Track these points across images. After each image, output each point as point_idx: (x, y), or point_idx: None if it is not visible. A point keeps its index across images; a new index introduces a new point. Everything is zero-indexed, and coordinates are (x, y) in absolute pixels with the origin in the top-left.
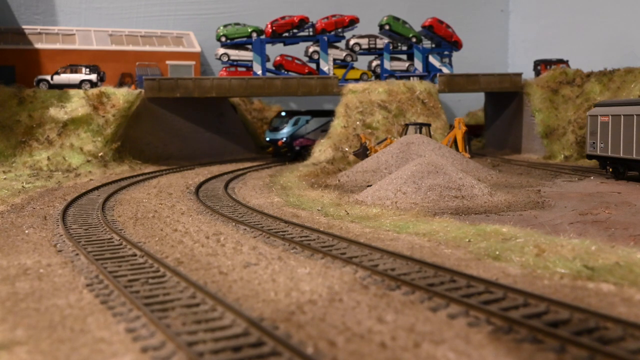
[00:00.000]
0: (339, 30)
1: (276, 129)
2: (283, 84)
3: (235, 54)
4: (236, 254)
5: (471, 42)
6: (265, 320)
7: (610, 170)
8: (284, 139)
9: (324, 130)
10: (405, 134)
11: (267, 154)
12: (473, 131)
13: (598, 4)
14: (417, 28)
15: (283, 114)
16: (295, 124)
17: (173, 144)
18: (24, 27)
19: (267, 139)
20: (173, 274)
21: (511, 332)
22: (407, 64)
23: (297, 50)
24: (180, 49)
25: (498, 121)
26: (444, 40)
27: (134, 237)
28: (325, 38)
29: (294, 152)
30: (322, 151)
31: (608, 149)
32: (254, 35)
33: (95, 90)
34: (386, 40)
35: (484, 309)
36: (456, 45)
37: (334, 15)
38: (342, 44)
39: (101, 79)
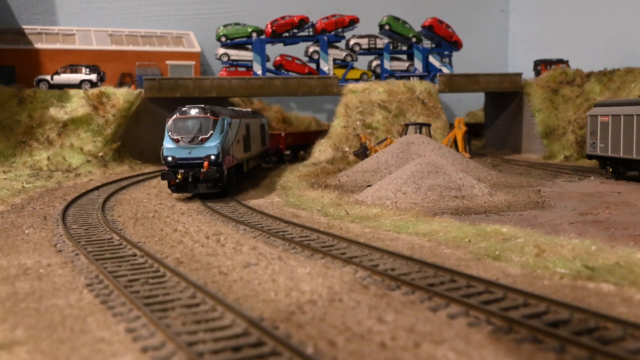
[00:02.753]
0: (339, 30)
1: (191, 141)
2: (283, 84)
3: (235, 54)
4: (236, 254)
5: (471, 42)
6: (265, 320)
7: (610, 170)
8: (213, 156)
9: (239, 140)
10: (405, 134)
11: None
12: (472, 130)
13: (598, 4)
14: (417, 28)
15: (194, 111)
16: (222, 129)
17: None
18: (24, 27)
19: (169, 158)
20: (173, 274)
21: (511, 332)
22: (407, 64)
23: (297, 50)
24: (180, 49)
25: (498, 121)
26: (444, 40)
27: (134, 237)
28: (325, 38)
29: (223, 180)
30: (322, 151)
31: (608, 149)
32: (254, 35)
33: (95, 90)
34: (386, 40)
35: (484, 309)
36: (456, 45)
37: (334, 15)
38: (342, 44)
39: (101, 79)
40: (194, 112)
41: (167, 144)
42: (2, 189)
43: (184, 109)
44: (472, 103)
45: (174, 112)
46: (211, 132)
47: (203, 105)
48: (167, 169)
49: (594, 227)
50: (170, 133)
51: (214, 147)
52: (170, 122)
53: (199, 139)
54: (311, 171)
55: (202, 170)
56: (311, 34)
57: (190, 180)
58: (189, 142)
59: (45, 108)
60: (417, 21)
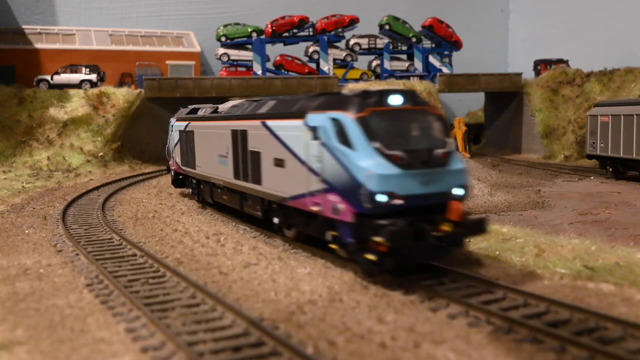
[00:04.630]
0: (339, 30)
1: (426, 161)
2: (283, 84)
3: (235, 54)
4: (236, 254)
5: (471, 42)
6: (266, 321)
7: (610, 170)
8: (463, 190)
9: None
10: None
11: None
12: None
13: (598, 4)
14: (417, 28)
15: (399, 99)
16: None
17: None
18: (24, 27)
19: (380, 197)
20: (173, 274)
21: (511, 332)
22: (407, 64)
23: (297, 50)
24: (180, 49)
25: (498, 121)
26: (444, 40)
27: (134, 237)
28: (325, 38)
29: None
30: None
31: (608, 148)
32: (254, 35)
33: (95, 90)
34: (386, 40)
35: (484, 309)
36: (456, 45)
37: (334, 15)
38: (342, 44)
39: (101, 79)
40: (398, 100)
41: (373, 163)
42: (2, 189)
43: (376, 94)
44: (472, 103)
45: (355, 99)
46: (446, 140)
47: (405, 89)
48: (372, 221)
49: (594, 227)
50: (376, 144)
51: (462, 171)
52: (355, 117)
53: (437, 155)
54: None
55: (444, 218)
56: (311, 34)
57: (426, 238)
58: (422, 162)
59: (45, 108)
60: (417, 21)
